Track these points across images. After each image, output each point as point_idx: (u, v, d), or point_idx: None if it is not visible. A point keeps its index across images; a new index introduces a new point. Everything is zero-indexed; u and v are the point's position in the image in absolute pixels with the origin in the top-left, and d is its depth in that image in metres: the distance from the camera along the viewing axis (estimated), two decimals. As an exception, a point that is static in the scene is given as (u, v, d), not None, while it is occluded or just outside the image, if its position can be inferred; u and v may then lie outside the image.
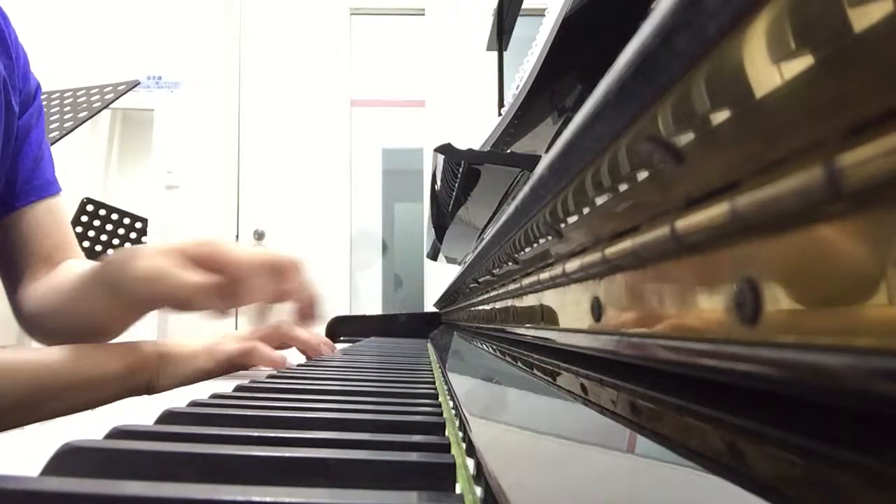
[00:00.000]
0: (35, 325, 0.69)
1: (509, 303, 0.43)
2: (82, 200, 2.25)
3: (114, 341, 0.61)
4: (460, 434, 0.29)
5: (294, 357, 0.74)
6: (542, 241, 0.28)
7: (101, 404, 0.52)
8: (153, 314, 0.59)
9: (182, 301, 0.52)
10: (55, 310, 0.64)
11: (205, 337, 0.64)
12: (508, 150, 0.59)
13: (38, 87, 0.73)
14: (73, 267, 0.70)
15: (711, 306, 0.14)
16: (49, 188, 0.72)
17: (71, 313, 0.62)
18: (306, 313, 0.60)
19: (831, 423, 0.10)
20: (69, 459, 0.21)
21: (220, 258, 0.53)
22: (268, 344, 0.68)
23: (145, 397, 0.45)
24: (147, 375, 0.58)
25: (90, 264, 0.64)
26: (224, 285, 0.52)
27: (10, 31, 0.67)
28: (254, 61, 2.85)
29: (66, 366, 0.53)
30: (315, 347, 0.75)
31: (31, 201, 0.70)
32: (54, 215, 0.73)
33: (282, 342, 0.72)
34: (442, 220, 0.90)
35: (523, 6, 1.15)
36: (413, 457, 0.22)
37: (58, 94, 1.57)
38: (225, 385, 0.44)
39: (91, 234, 2.24)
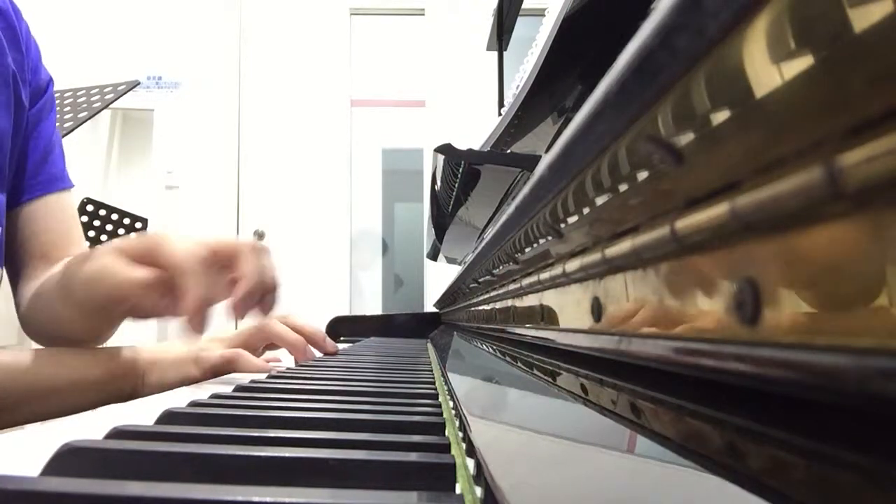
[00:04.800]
0: (29, 325, 0.67)
1: (509, 303, 0.43)
2: (82, 200, 2.24)
3: (100, 346, 0.61)
4: (460, 434, 0.29)
5: (286, 359, 0.73)
6: (542, 241, 0.28)
7: (83, 409, 0.51)
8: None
9: (125, 300, 0.49)
10: (45, 310, 0.62)
11: (193, 341, 0.61)
12: (508, 150, 0.59)
13: (51, 80, 0.72)
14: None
15: (711, 306, 0.14)
16: (56, 183, 0.70)
17: (51, 316, 0.60)
18: (262, 304, 0.52)
19: (831, 423, 0.10)
20: (69, 459, 0.21)
21: (158, 252, 0.48)
22: (254, 345, 0.69)
23: (145, 397, 0.45)
24: (131, 382, 0.58)
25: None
26: (166, 280, 0.47)
27: (21, 25, 0.67)
28: (254, 61, 2.85)
29: (44, 369, 0.54)
30: (302, 350, 0.70)
31: (35, 196, 0.68)
32: (59, 211, 0.70)
33: (270, 342, 0.71)
34: (442, 220, 0.90)
35: (523, 6, 1.15)
36: (413, 457, 0.22)
37: (58, 94, 1.57)
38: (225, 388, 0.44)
39: (91, 234, 2.23)
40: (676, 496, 0.13)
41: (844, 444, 0.10)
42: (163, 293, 0.48)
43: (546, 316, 0.31)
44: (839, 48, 0.08)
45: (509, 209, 0.32)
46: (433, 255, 1.29)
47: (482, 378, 0.45)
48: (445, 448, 0.24)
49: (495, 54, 1.21)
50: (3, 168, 0.63)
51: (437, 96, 2.84)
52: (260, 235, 2.76)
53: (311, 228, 2.78)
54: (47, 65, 0.73)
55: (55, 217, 0.70)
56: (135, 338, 0.65)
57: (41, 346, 0.64)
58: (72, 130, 1.44)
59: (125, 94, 1.59)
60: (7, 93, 0.63)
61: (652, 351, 0.17)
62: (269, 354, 0.74)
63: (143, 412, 0.34)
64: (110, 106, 1.61)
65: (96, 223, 2.26)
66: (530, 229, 0.29)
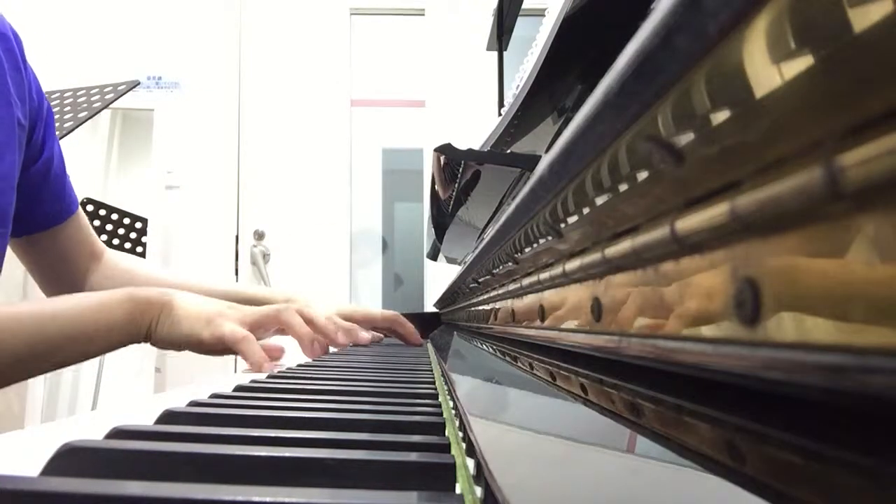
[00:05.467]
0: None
1: (509, 303, 0.43)
2: (82, 200, 2.24)
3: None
4: (460, 434, 0.29)
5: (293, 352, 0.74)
6: (541, 240, 0.28)
7: (106, 352, 0.59)
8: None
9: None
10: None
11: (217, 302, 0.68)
12: (508, 150, 0.59)
13: (50, 108, 0.78)
14: (139, 263, 0.96)
15: (711, 306, 0.14)
16: (77, 199, 0.84)
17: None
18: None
19: (831, 423, 0.10)
20: (69, 459, 0.21)
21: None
22: (267, 326, 0.71)
23: (145, 397, 0.45)
24: (148, 321, 0.62)
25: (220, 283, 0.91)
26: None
27: (21, 51, 0.71)
28: (254, 61, 2.84)
29: (68, 315, 0.56)
30: (307, 344, 0.73)
31: (74, 211, 0.82)
32: (84, 218, 0.85)
33: (282, 328, 0.72)
34: (442, 220, 0.90)
35: (523, 6, 1.14)
36: (413, 457, 0.22)
37: (58, 94, 1.57)
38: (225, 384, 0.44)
39: (91, 234, 2.23)
40: (676, 496, 0.13)
41: (844, 444, 0.10)
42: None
43: (546, 316, 0.31)
44: (839, 48, 0.08)
45: (509, 209, 0.32)
46: (433, 255, 1.29)
47: (482, 378, 0.45)
48: (445, 448, 0.24)
49: (495, 54, 1.21)
50: (12, 178, 0.69)
51: (437, 96, 2.84)
52: (260, 235, 2.76)
53: (311, 228, 2.78)
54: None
55: (86, 224, 0.86)
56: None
57: None
58: (72, 130, 1.44)
59: (125, 94, 1.59)
60: (9, 111, 0.67)
61: (652, 351, 0.17)
62: (275, 341, 0.74)
63: (143, 412, 0.34)
64: (110, 106, 1.61)
65: (96, 223, 2.26)
66: (530, 229, 0.29)
